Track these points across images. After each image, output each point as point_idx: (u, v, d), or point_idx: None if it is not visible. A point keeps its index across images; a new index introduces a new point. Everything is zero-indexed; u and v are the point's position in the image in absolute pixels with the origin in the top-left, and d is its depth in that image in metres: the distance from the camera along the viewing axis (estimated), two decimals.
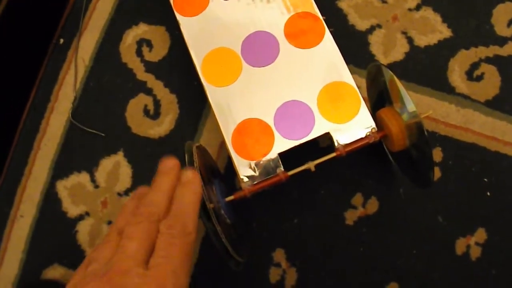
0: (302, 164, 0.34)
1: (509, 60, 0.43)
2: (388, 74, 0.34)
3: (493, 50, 0.43)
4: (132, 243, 0.25)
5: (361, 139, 0.35)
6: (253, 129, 0.36)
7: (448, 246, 0.40)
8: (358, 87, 0.36)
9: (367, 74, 0.38)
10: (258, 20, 0.39)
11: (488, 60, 0.43)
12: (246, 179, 0.35)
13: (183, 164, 0.31)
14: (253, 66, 0.38)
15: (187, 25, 0.39)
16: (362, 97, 0.36)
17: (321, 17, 0.38)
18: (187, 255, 0.25)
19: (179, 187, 0.29)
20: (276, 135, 0.36)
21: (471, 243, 0.40)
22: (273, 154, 0.36)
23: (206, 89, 0.37)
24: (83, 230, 0.42)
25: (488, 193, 0.41)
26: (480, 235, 0.40)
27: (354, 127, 0.36)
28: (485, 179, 0.41)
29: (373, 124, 0.36)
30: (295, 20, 0.38)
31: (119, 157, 0.43)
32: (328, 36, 0.38)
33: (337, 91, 0.37)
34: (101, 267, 0.24)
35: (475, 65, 0.43)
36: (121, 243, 0.25)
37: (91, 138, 0.43)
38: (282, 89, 0.37)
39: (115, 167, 0.43)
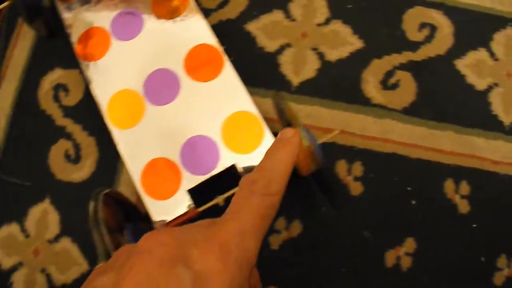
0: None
1: (423, 65, 0.43)
2: (283, 102, 0.34)
3: (406, 56, 0.43)
4: None
5: None
6: (161, 169, 0.36)
7: (378, 260, 0.40)
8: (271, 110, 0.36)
9: (272, 101, 0.38)
10: (159, 57, 0.39)
11: (402, 66, 0.43)
12: (158, 219, 0.35)
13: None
14: (156, 105, 0.38)
15: (90, 68, 0.39)
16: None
17: (219, 48, 0.38)
18: (262, 218, 0.21)
19: (274, 142, 0.25)
20: (183, 172, 0.36)
21: (401, 254, 0.40)
22: (181, 191, 0.36)
23: (112, 132, 0.37)
24: (18, 280, 0.42)
25: (413, 202, 0.40)
26: (409, 244, 0.40)
27: (259, 156, 0.36)
28: (409, 188, 0.41)
29: None
30: (195, 54, 0.38)
31: (46, 204, 0.43)
32: (227, 66, 0.38)
33: (240, 121, 0.36)
34: None
35: (389, 74, 0.42)
36: None
37: (18, 188, 0.44)
38: (185, 125, 0.37)
39: (43, 215, 0.43)
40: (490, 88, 0.43)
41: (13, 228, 0.43)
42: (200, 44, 0.38)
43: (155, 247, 0.19)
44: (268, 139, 0.36)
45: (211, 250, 0.19)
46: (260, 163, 0.24)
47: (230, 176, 0.36)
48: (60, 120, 0.44)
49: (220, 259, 0.19)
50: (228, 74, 0.37)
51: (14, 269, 0.43)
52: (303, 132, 0.31)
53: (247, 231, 0.20)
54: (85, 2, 0.41)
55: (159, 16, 0.40)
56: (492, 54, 0.43)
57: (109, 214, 0.34)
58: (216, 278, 0.18)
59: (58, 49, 0.46)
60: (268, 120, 0.38)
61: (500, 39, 0.44)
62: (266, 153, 0.25)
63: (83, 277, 0.42)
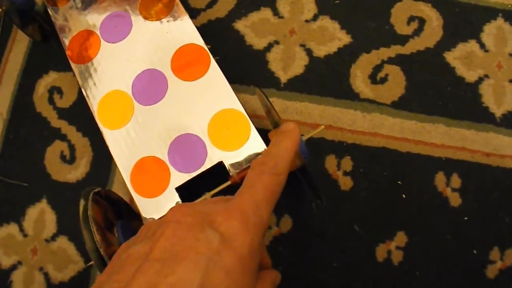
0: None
1: (412, 58, 0.42)
2: (266, 100, 0.34)
3: (395, 50, 0.43)
4: None
5: None
6: (150, 167, 0.37)
7: (368, 254, 0.40)
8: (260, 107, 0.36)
9: (258, 97, 0.38)
10: (147, 58, 0.39)
11: (390, 60, 0.42)
12: (148, 216, 0.36)
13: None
14: (144, 105, 0.38)
15: (81, 71, 0.40)
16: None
17: (205, 47, 0.38)
18: (272, 193, 0.25)
19: (278, 134, 0.29)
20: (172, 170, 0.37)
21: (392, 248, 0.40)
22: (170, 189, 0.36)
23: (102, 133, 0.38)
24: (17, 279, 0.44)
25: (404, 195, 0.40)
26: (400, 238, 0.40)
27: (245, 152, 0.36)
28: (399, 182, 0.41)
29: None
30: (181, 53, 0.39)
31: (43, 204, 0.44)
32: (213, 65, 0.38)
33: (226, 119, 0.37)
34: None
35: (378, 68, 0.42)
36: None
37: (16, 189, 0.45)
38: (173, 124, 0.37)
39: (41, 215, 0.44)
40: (480, 80, 0.42)
41: (11, 228, 0.44)
42: (186, 44, 0.39)
43: (182, 217, 0.22)
44: (254, 136, 0.36)
45: (233, 216, 0.22)
46: (268, 149, 0.28)
47: (218, 173, 0.36)
48: (55, 121, 0.45)
49: (241, 223, 0.22)
50: (214, 72, 0.38)
51: (13, 268, 0.44)
52: None
53: (260, 202, 0.24)
54: (84, 5, 0.42)
55: (146, 18, 0.40)
56: (482, 46, 0.43)
57: (99, 212, 0.34)
58: (239, 237, 0.21)
59: (52, 53, 0.47)
60: (256, 117, 0.38)
61: (490, 31, 0.43)
62: (272, 142, 0.28)
63: (79, 275, 0.42)
